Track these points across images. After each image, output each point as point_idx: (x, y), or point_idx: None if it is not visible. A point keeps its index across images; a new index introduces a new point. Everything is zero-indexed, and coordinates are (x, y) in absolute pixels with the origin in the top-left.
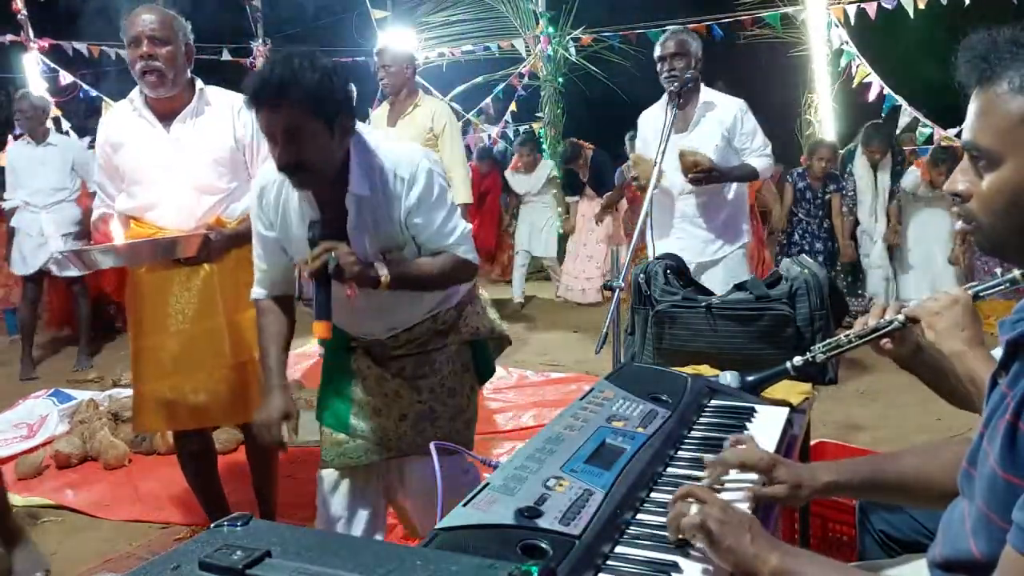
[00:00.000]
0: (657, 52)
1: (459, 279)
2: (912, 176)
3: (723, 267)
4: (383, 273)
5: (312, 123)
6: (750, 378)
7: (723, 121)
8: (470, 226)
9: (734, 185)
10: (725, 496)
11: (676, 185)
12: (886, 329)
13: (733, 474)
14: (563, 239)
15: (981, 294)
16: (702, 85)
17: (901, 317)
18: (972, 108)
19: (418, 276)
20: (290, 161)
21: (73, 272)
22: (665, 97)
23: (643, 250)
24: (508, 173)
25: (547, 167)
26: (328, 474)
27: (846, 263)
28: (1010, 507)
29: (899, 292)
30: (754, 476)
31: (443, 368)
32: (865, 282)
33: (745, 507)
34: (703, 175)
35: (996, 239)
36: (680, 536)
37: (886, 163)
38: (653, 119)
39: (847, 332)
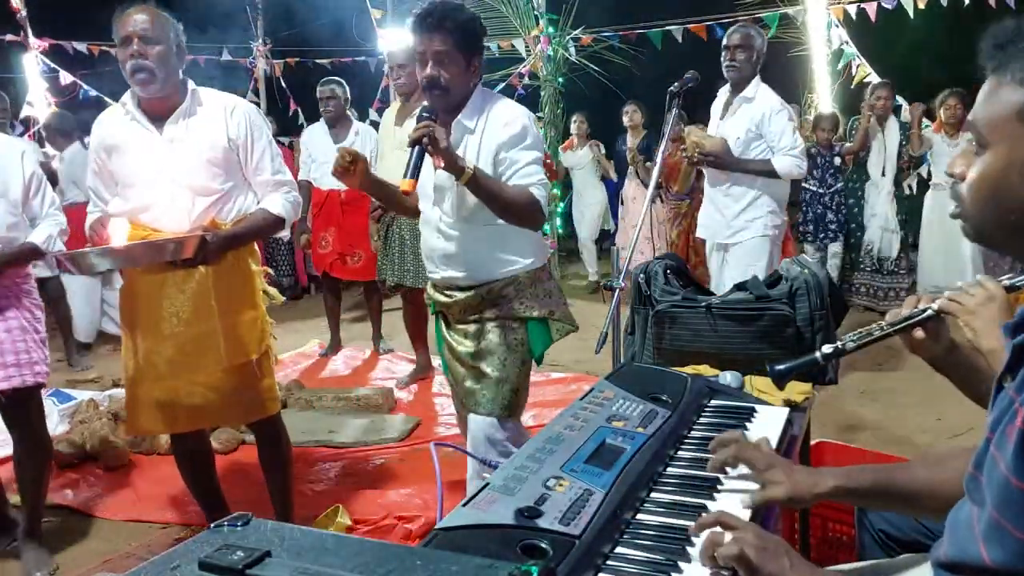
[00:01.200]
0: (723, 42)
1: (525, 215)
2: (932, 137)
3: (737, 251)
4: (468, 164)
5: (455, 52)
6: (779, 367)
7: (753, 116)
8: (549, 185)
9: (759, 179)
10: (725, 504)
11: (711, 169)
12: (919, 317)
13: (731, 477)
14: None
15: (1017, 285)
16: (757, 79)
17: (935, 306)
18: (982, 91)
19: (492, 187)
20: (434, 79)
21: (45, 273)
22: (728, 85)
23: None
24: (562, 153)
25: (594, 148)
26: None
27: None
28: None
29: (920, 277)
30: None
31: (492, 340)
32: (869, 260)
33: (746, 514)
34: (699, 157)
35: (980, 228)
36: (716, 565)
37: (892, 125)
38: (716, 104)
39: (879, 322)
